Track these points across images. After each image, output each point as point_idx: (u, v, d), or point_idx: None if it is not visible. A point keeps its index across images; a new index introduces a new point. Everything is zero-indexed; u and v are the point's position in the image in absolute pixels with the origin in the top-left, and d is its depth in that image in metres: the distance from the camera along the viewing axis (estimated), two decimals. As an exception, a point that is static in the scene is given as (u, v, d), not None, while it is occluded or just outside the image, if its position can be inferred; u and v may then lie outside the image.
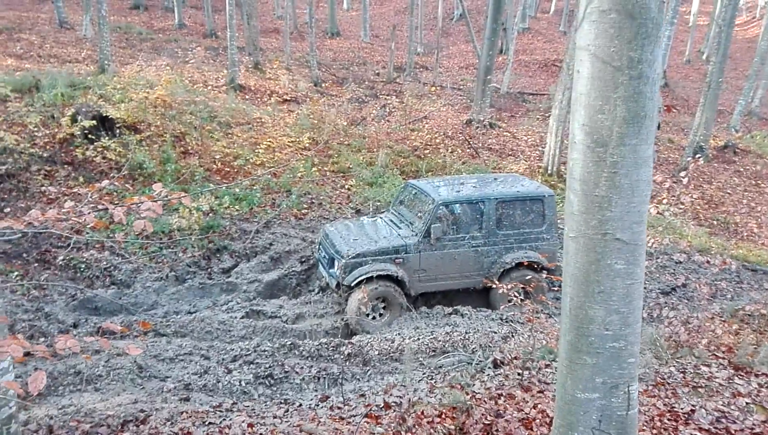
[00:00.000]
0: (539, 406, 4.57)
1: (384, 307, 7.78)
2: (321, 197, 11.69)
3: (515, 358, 5.98)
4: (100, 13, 14.73)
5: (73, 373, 5.39)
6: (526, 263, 8.15)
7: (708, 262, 7.66)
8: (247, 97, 16.44)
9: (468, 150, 15.28)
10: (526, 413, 4.43)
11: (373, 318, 7.70)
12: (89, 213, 2.73)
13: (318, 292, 8.58)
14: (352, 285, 7.51)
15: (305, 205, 11.25)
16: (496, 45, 17.68)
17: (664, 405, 4.62)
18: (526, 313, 7.64)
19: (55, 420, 4.41)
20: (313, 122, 14.77)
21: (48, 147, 10.49)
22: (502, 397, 4.88)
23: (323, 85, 19.63)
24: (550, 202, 8.29)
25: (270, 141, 13.39)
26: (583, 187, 2.69)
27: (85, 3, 21.58)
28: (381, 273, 7.58)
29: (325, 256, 8.03)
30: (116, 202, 8.35)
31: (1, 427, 2.69)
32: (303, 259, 9.15)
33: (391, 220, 8.50)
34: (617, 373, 2.84)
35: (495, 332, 7.16)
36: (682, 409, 4.53)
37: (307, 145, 13.79)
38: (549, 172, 14.33)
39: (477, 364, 5.91)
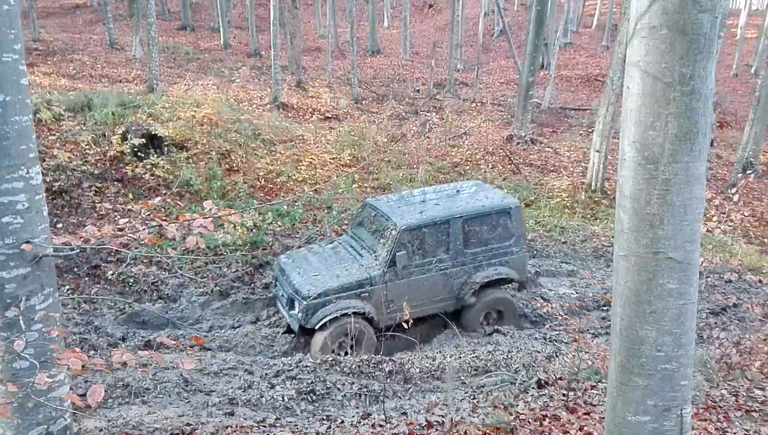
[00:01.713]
0: (585, 428, 4.47)
1: (352, 345, 7.19)
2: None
3: (560, 378, 5.86)
4: (150, 34, 15.27)
5: (122, 385, 5.52)
6: (495, 279, 7.80)
7: (760, 281, 7.40)
8: (289, 114, 16.73)
9: (509, 166, 15.18)
10: (572, 435, 4.34)
11: (339, 355, 6.99)
12: (144, 229, 2.82)
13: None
14: (316, 328, 6.96)
15: (345, 222, 11.34)
16: (537, 60, 17.59)
17: (716, 429, 4.46)
18: (570, 332, 7.53)
19: (104, 432, 4.52)
20: (353, 139, 14.92)
21: (99, 164, 10.88)
22: (547, 419, 4.79)
23: (364, 102, 19.84)
24: (516, 214, 7.87)
25: (312, 158, 13.57)
26: (633, 204, 2.65)
27: (134, 25, 22.40)
28: (347, 311, 7.05)
29: (283, 294, 7.39)
30: (165, 219, 8.59)
31: (58, 437, 2.78)
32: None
33: (351, 247, 7.87)
34: (669, 396, 2.77)
35: (538, 352, 7.04)
36: (734, 433, 4.36)
37: (347, 161, 13.92)
38: (593, 188, 14.09)
39: (520, 384, 5.81)
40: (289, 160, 13.18)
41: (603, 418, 4.50)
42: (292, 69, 21.06)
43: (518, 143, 16.71)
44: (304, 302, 6.88)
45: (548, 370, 6.22)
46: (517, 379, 5.91)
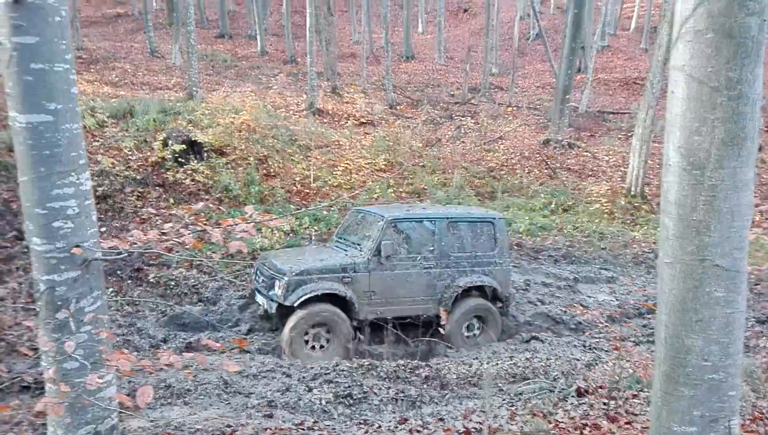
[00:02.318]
0: (627, 438, 4.38)
1: (327, 337, 7.00)
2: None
3: (600, 387, 5.76)
4: (189, 42, 15.62)
5: (164, 386, 5.63)
6: (478, 287, 7.66)
7: (810, 289, 7.14)
8: (325, 120, 16.89)
9: (545, 171, 15.01)
10: (613, 445, 4.26)
11: (313, 348, 6.97)
12: (189, 234, 2.88)
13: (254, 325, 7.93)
14: (295, 305, 6.78)
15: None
16: (574, 63, 17.37)
17: (765, 442, 4.32)
18: (611, 340, 7.38)
19: (147, 432, 4.62)
20: (388, 144, 14.98)
21: (141, 170, 11.16)
22: (587, 427, 4.71)
23: (398, 107, 19.89)
24: (500, 226, 7.89)
25: (347, 163, 13.67)
26: (679, 211, 2.60)
27: (174, 33, 22.94)
28: (328, 292, 6.89)
29: (263, 280, 7.29)
30: (205, 223, 8.76)
31: (105, 436, 2.85)
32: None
33: (337, 246, 7.86)
34: (717, 407, 2.70)
35: (577, 359, 6.93)
36: (784, 447, 4.22)
37: (382, 166, 13.98)
38: (633, 193, 13.83)
39: (559, 391, 5.73)
40: (324, 166, 13.31)
41: (645, 428, 4.41)
42: (327, 75, 21.26)
43: (555, 147, 16.52)
44: (285, 278, 6.77)
45: (588, 378, 6.12)
46: (555, 387, 5.82)
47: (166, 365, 2.19)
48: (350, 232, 8.01)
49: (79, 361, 2.62)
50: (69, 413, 2.68)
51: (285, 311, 6.95)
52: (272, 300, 6.99)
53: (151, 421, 4.93)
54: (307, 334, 6.91)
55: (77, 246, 2.63)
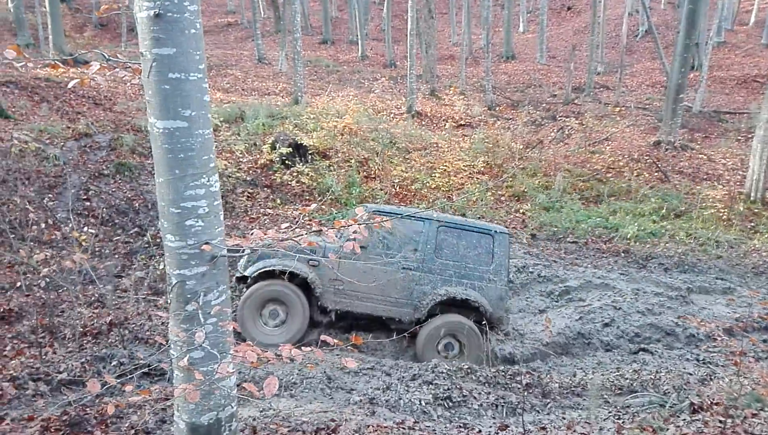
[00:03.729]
0: (748, 460, 4.08)
1: (285, 317, 6.77)
2: (495, 221, 11.64)
3: (716, 403, 5.40)
4: (295, 48, 16.23)
5: (281, 378, 5.91)
6: (462, 300, 6.91)
7: None
8: (423, 123, 16.98)
9: (656, 174, 14.25)
10: (732, 467, 3.99)
11: (266, 324, 6.81)
12: (305, 234, 3.01)
13: None
14: (250, 277, 6.63)
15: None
16: (688, 61, 16.36)
17: None
18: (728, 354, 6.90)
19: (257, 421, 4.86)
20: (487, 146, 14.81)
21: (251, 171, 11.75)
22: (701, 446, 4.44)
23: (498, 108, 19.62)
24: (501, 241, 7.10)
25: (446, 165, 13.67)
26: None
27: (281, 40, 23.92)
28: (285, 268, 6.56)
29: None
30: (310, 222, 9.06)
31: (225, 424, 3.04)
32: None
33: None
34: None
35: (690, 374, 6.54)
36: None
37: (481, 169, 13.84)
38: (752, 198, 12.84)
39: (671, 407, 5.44)
40: (423, 168, 13.38)
41: (770, 451, 4.11)
42: (426, 78, 21.36)
43: (667, 149, 15.64)
44: (249, 250, 6.72)
45: (702, 393, 5.76)
46: (666, 402, 5.53)
47: (287, 359, 2.31)
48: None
49: (206, 351, 2.82)
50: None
51: (243, 283, 6.95)
52: (237, 271, 6.94)
53: (261, 411, 5.18)
54: (263, 308, 6.80)
55: (206, 243, 2.82)
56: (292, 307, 6.79)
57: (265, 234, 3.15)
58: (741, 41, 30.74)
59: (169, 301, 2.94)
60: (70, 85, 3.08)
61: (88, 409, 4.86)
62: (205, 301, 2.85)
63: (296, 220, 5.52)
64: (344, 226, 3.07)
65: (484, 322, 6.80)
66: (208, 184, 2.85)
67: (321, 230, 2.93)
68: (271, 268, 6.71)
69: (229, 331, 2.90)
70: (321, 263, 6.79)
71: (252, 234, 3.18)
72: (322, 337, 2.74)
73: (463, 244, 7.11)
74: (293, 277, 6.77)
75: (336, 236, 2.80)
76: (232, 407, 3.09)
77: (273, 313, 6.87)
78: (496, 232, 7.18)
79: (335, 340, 2.68)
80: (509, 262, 7.43)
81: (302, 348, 2.55)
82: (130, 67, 3.15)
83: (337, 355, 6.66)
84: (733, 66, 26.85)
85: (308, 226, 3.26)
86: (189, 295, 2.85)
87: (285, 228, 3.42)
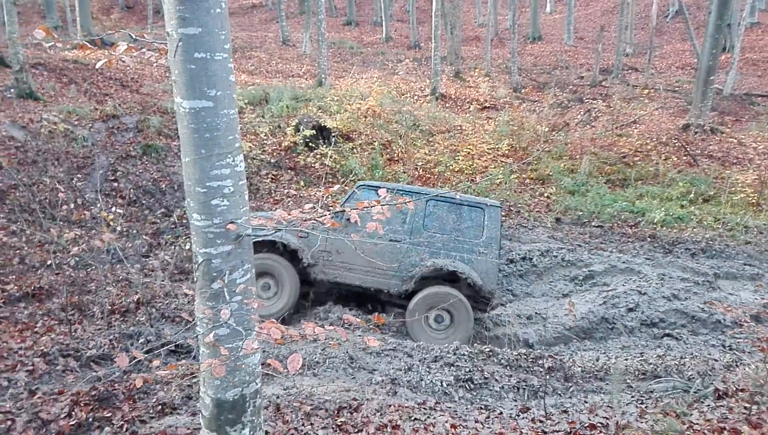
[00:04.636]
0: (773, 446, 4.04)
1: (276, 289, 6.84)
2: (519, 205, 11.55)
3: (741, 390, 5.34)
4: (319, 30, 16.18)
5: (305, 357, 5.99)
6: (450, 272, 6.89)
7: None
8: (447, 105, 16.84)
9: (684, 157, 13.98)
10: (756, 452, 3.95)
11: (259, 297, 6.85)
12: (327, 214, 3.03)
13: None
14: None
15: (503, 212, 11.20)
16: (719, 42, 15.92)
17: None
18: (755, 340, 6.79)
19: (281, 399, 4.94)
20: (512, 129, 14.65)
21: (275, 154, 11.81)
22: (725, 432, 4.39)
23: (523, 90, 19.37)
24: (492, 214, 7.09)
25: (469, 148, 13.57)
26: None
27: (305, 21, 23.85)
28: (275, 238, 6.65)
29: None
30: (334, 204, 9.06)
31: (249, 400, 3.09)
32: (499, 267, 9.14)
33: None
34: None
35: (716, 360, 6.47)
36: None
37: (506, 151, 13.71)
38: (785, 183, 12.53)
39: (695, 392, 5.38)
40: (446, 150, 13.30)
41: (796, 438, 4.05)
42: (451, 59, 21.14)
43: (696, 133, 15.30)
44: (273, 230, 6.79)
45: (727, 379, 5.69)
46: (691, 387, 5.48)
47: (309, 336, 2.34)
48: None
49: (232, 328, 2.86)
50: (219, 376, 2.94)
51: None
52: None
53: (284, 389, 5.26)
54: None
55: (232, 222, 2.85)
56: (281, 279, 6.91)
57: (289, 214, 3.17)
58: (776, 21, 29.80)
59: (195, 280, 2.99)
60: (98, 66, 3.12)
61: (116, 384, 4.99)
62: (231, 279, 2.89)
63: (319, 200, 5.54)
64: (367, 208, 3.07)
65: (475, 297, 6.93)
66: (233, 163, 2.87)
67: (344, 211, 2.94)
68: (259, 240, 6.65)
69: (253, 309, 2.94)
70: (310, 235, 6.76)
71: (276, 214, 3.21)
72: (345, 316, 2.77)
73: (453, 218, 7.14)
74: (283, 249, 6.89)
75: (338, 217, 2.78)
76: (257, 384, 3.14)
77: (264, 285, 6.99)
78: (486, 205, 7.19)
79: (358, 319, 2.70)
80: (500, 235, 7.39)
81: (326, 327, 2.58)
82: (156, 47, 3.18)
83: (359, 335, 6.73)
84: (767, 47, 26.08)
85: (332, 207, 3.27)
86: (215, 274, 2.89)
87: (309, 209, 3.44)
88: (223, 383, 3.00)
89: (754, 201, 12.00)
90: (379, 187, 7.02)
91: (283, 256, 6.99)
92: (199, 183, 2.83)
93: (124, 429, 4.36)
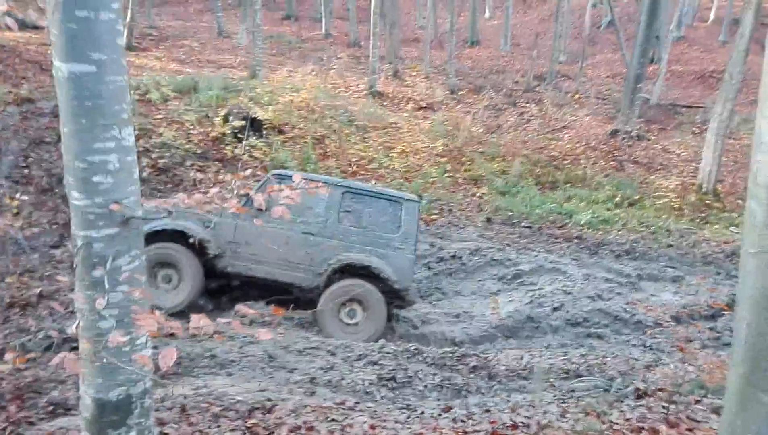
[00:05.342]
0: (688, 445, 4.05)
1: (178, 280, 6.51)
2: (452, 204, 11.52)
3: (660, 389, 5.40)
4: (255, 22, 15.72)
5: (209, 356, 5.65)
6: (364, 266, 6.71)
7: None
8: (384, 103, 16.72)
9: (612, 162, 14.39)
10: (672, 452, 3.95)
11: (157, 288, 6.49)
12: (231, 198, 2.77)
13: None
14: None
15: (435, 211, 11.14)
16: (648, 53, 16.53)
17: None
18: (674, 341, 6.94)
19: (188, 400, 4.61)
20: (447, 129, 14.67)
21: (202, 144, 11.31)
22: (643, 431, 4.39)
23: (460, 92, 19.49)
24: (409, 208, 6.90)
25: (404, 146, 13.47)
26: (770, 194, 2.28)
27: (242, 13, 23.21)
28: (173, 229, 6.31)
29: None
30: (242, 190, 8.69)
31: (137, 401, 2.79)
32: (429, 265, 9.03)
33: None
34: (803, 418, 2.38)
35: (636, 359, 6.56)
36: None
37: (440, 151, 13.70)
38: (704, 189, 13.08)
39: (615, 391, 5.41)
40: (381, 147, 13.16)
41: (709, 436, 4.08)
42: (390, 59, 21.04)
43: (623, 139, 15.80)
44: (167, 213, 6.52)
45: (647, 379, 5.77)
46: (611, 387, 5.51)
47: (196, 329, 2.08)
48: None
49: (114, 321, 2.55)
50: (100, 374, 2.63)
51: None
52: None
53: (194, 389, 4.93)
54: (157, 273, 6.55)
55: (116, 202, 2.55)
56: (182, 270, 6.50)
57: (189, 198, 2.89)
58: (700, 37, 31.34)
59: (75, 266, 2.66)
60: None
61: (3, 382, 4.53)
62: (114, 266, 2.58)
63: (226, 184, 5.24)
64: (276, 191, 2.83)
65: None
66: (119, 136, 2.56)
67: (248, 195, 2.68)
68: (160, 229, 6.32)
69: (140, 301, 2.63)
70: (217, 225, 6.45)
71: (175, 196, 2.92)
72: (238, 306, 2.51)
73: (369, 211, 6.89)
74: (185, 238, 6.39)
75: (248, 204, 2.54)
76: (145, 383, 2.83)
77: (165, 277, 6.58)
78: (404, 199, 7.00)
79: (253, 311, 2.45)
80: (418, 231, 7.23)
81: (219, 320, 2.32)
82: (40, 6, 2.83)
83: (281, 333, 6.44)
84: (692, 61, 27.36)
85: (240, 193, 3.00)
86: (95, 259, 2.57)
87: (215, 193, 3.16)
88: (106, 382, 2.68)
89: (676, 205, 12.46)
90: (293, 175, 6.64)
91: (186, 247, 6.45)
92: (78, 157, 2.51)
93: (8, 432, 3.94)
